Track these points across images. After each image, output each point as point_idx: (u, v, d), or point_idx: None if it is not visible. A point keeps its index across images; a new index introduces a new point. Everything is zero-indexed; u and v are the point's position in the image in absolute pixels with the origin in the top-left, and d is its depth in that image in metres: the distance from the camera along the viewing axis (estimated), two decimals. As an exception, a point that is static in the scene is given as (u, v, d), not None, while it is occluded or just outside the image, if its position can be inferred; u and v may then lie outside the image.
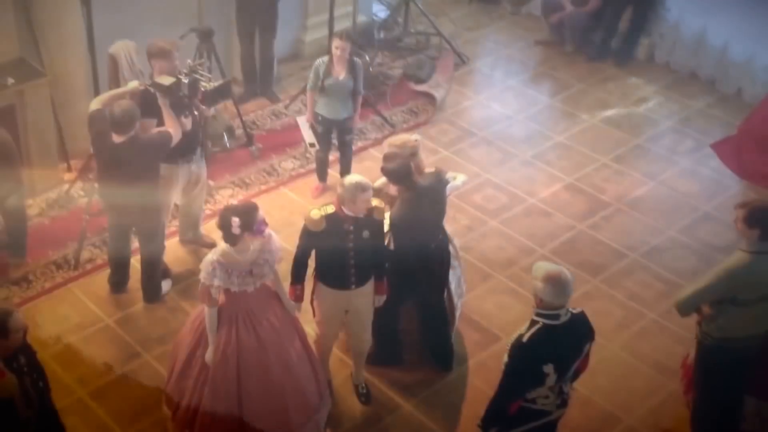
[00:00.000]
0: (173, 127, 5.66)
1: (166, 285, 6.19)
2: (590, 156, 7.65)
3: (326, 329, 5.32)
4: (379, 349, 5.61)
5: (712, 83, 8.58)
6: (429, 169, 5.54)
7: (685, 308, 4.92)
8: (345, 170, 7.07)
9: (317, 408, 5.15)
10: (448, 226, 5.73)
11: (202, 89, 5.71)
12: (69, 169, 7.13)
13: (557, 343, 4.21)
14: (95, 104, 5.72)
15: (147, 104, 5.70)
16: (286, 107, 8.05)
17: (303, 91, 8.00)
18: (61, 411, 4.77)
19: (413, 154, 5.49)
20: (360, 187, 4.92)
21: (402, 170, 5.24)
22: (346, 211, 4.97)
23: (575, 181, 7.36)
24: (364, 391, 5.54)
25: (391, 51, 8.93)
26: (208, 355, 4.91)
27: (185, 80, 5.67)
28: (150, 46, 5.93)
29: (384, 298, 5.32)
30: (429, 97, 8.20)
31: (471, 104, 8.27)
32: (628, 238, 6.82)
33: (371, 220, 5.05)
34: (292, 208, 6.96)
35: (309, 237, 5.05)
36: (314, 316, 5.31)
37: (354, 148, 7.17)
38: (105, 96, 5.80)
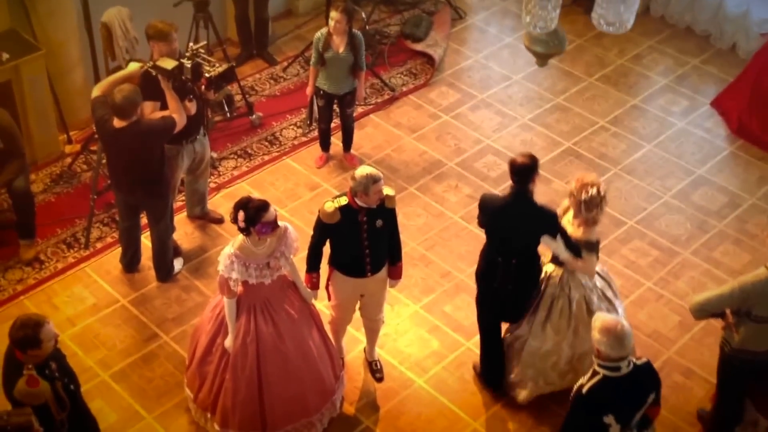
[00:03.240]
0: (177, 112, 5.65)
1: (178, 263, 6.29)
2: (588, 118, 7.73)
3: (341, 313, 5.49)
4: (483, 368, 5.66)
5: (707, 38, 8.61)
6: (595, 228, 5.14)
7: (697, 313, 5.00)
8: (347, 141, 7.13)
9: (334, 390, 5.37)
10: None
11: (206, 75, 5.67)
12: (69, 140, 7.12)
13: (618, 394, 4.19)
14: (96, 90, 5.70)
15: (149, 87, 5.67)
16: (284, 70, 7.99)
17: (301, 53, 7.98)
18: (86, 394, 4.95)
19: (574, 193, 5.04)
20: (371, 179, 5.00)
21: (519, 168, 5.00)
22: (359, 202, 5.07)
23: (573, 145, 7.46)
24: (378, 367, 5.75)
25: (387, 5, 8.82)
26: (228, 343, 5.07)
27: (187, 64, 5.62)
28: (148, 27, 5.85)
29: (398, 282, 5.50)
30: (427, 57, 8.17)
31: (469, 64, 8.26)
32: (624, 205, 6.98)
33: (384, 210, 5.16)
34: (296, 179, 7.03)
35: (324, 229, 5.16)
36: (329, 299, 5.47)
37: (354, 114, 7.19)
38: (105, 82, 5.76)
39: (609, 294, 5.37)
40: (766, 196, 7.12)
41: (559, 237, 5.04)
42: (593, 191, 4.96)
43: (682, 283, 6.42)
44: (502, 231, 5.16)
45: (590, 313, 5.20)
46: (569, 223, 5.16)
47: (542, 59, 3.92)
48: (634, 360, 4.26)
